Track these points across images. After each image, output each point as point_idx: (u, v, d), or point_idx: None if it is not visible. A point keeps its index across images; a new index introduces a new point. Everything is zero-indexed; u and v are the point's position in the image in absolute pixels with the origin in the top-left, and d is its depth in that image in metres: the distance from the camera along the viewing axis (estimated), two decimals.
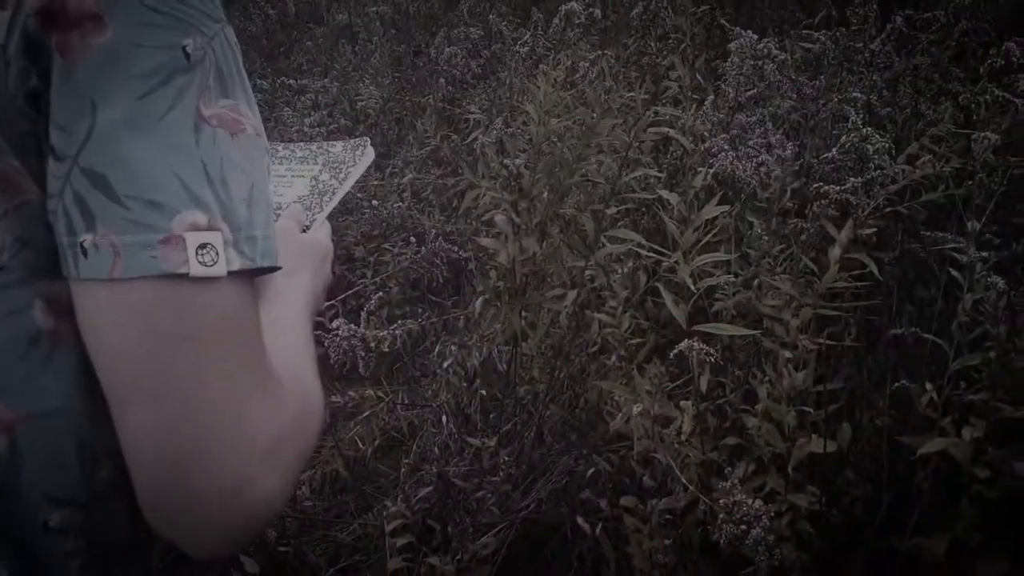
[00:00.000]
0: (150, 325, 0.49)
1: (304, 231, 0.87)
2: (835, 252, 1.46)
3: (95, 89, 0.49)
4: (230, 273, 0.51)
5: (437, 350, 2.40)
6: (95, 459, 0.55)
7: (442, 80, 3.28)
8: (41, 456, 0.53)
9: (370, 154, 0.97)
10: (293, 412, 0.57)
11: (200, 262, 0.50)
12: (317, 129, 3.05)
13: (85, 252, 0.49)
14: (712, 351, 1.24)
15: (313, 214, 0.88)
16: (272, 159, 0.97)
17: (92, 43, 0.49)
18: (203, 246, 0.50)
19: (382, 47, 4.02)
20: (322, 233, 0.88)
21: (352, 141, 0.98)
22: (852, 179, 1.43)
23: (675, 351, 1.29)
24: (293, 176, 0.95)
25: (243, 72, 0.56)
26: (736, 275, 1.69)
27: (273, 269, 0.55)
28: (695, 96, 1.83)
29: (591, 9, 1.77)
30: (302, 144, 1.01)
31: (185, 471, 0.51)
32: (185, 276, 0.49)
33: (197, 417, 0.50)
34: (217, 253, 0.51)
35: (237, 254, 0.52)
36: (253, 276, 0.55)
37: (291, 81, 3.12)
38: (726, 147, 1.69)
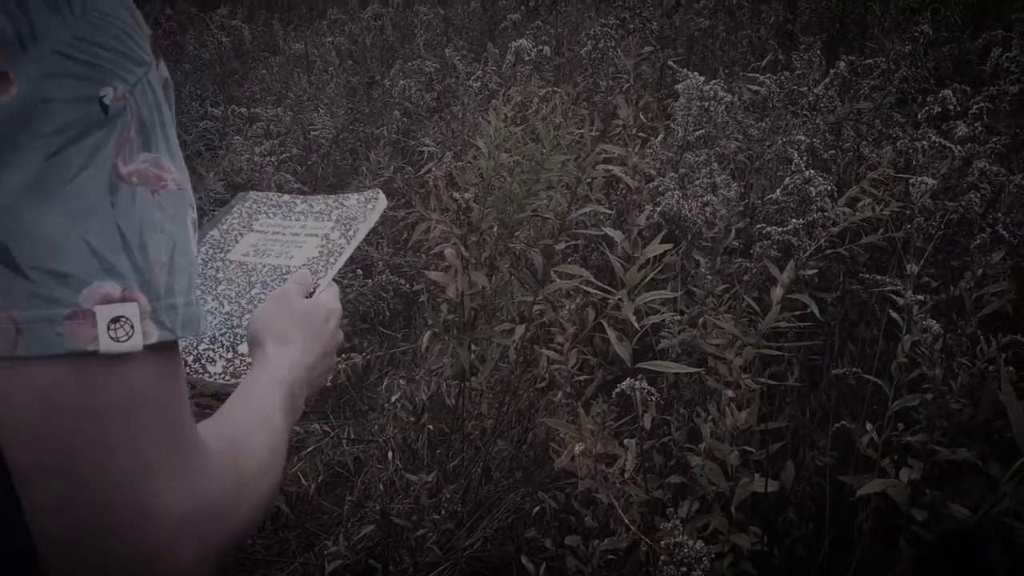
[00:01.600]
0: (54, 403, 0.46)
1: (310, 295, 0.85)
2: (777, 292, 1.47)
3: None
4: (147, 347, 0.48)
5: (385, 384, 2.37)
6: (4, 527, 0.51)
7: (396, 112, 3.28)
8: None
9: (381, 204, 0.96)
10: (219, 487, 0.54)
11: (112, 337, 0.46)
12: (268, 158, 3.02)
13: None
14: (653, 390, 1.24)
15: (319, 277, 0.88)
16: (289, 215, 0.97)
17: None
18: (116, 319, 0.47)
19: (338, 77, 4.02)
20: (327, 295, 0.86)
21: (366, 193, 0.98)
22: (794, 221, 1.45)
23: (617, 389, 1.28)
24: (306, 235, 0.94)
25: (168, 119, 0.52)
26: (681, 312, 1.70)
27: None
28: (641, 135, 1.85)
29: (541, 47, 1.78)
30: (319, 198, 1.00)
31: (88, 549, 0.48)
32: (95, 354, 0.46)
33: (99, 496, 0.48)
34: (132, 327, 0.47)
35: (156, 326, 0.48)
36: (175, 346, 0.52)
37: (242, 109, 3.08)
38: (672, 186, 1.71)
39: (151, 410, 0.49)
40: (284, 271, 0.90)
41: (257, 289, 0.89)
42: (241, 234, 0.97)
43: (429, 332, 2.13)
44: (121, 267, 0.47)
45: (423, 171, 2.87)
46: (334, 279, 0.90)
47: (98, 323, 0.46)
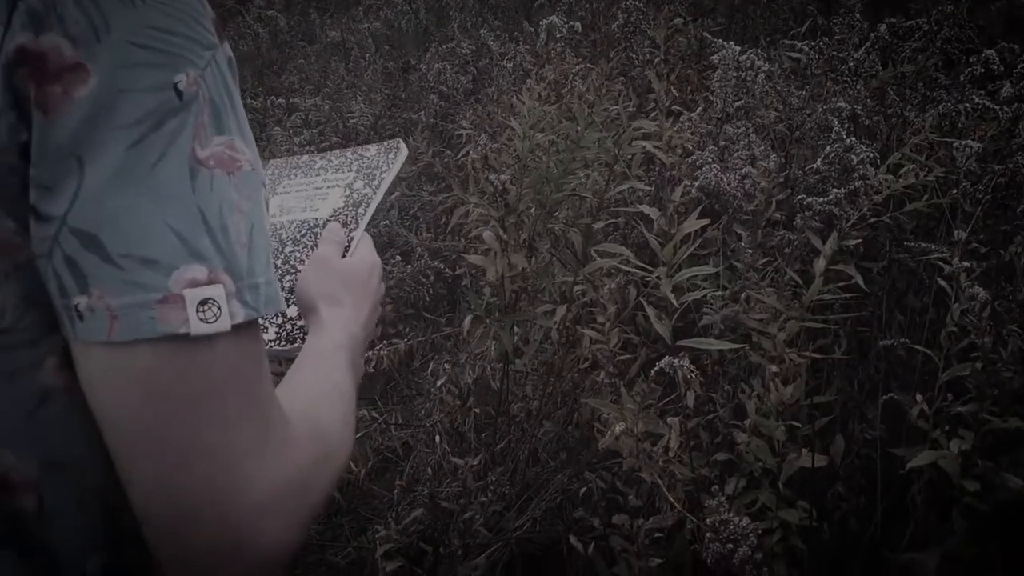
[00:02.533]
0: (149, 387, 0.48)
1: (345, 250, 0.85)
2: (820, 264, 1.44)
3: (80, 144, 0.46)
4: (237, 326, 0.49)
5: (430, 368, 2.38)
6: (117, 507, 0.54)
7: (433, 96, 3.28)
8: (68, 508, 0.53)
9: (403, 153, 0.95)
10: (303, 460, 0.55)
11: (201, 319, 0.48)
12: (307, 148, 3.05)
13: (80, 315, 0.47)
14: (693, 368, 1.22)
15: (351, 230, 0.87)
16: (309, 172, 0.97)
17: (75, 96, 0.46)
18: (204, 302, 0.48)
19: (374, 63, 4.03)
20: (364, 250, 0.86)
21: (385, 143, 0.97)
22: (835, 190, 1.42)
23: (656, 368, 1.27)
24: (329, 187, 0.93)
25: (237, 99, 0.53)
26: (724, 288, 1.68)
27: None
28: (676, 108, 1.82)
29: (572, 23, 1.76)
30: (338, 152, 1.00)
31: (188, 525, 0.50)
32: (186, 336, 0.48)
33: (196, 473, 0.49)
34: (219, 308, 0.49)
35: (241, 305, 0.50)
36: (257, 325, 0.53)
37: (280, 100, 3.12)
38: (710, 160, 1.68)
39: (240, 388, 0.51)
40: (312, 224, 0.89)
41: (289, 247, 0.88)
42: (266, 200, 0.97)
43: (471, 316, 2.14)
44: (205, 250, 0.48)
45: (461, 155, 2.88)
46: (365, 230, 0.89)
47: (187, 306, 0.47)
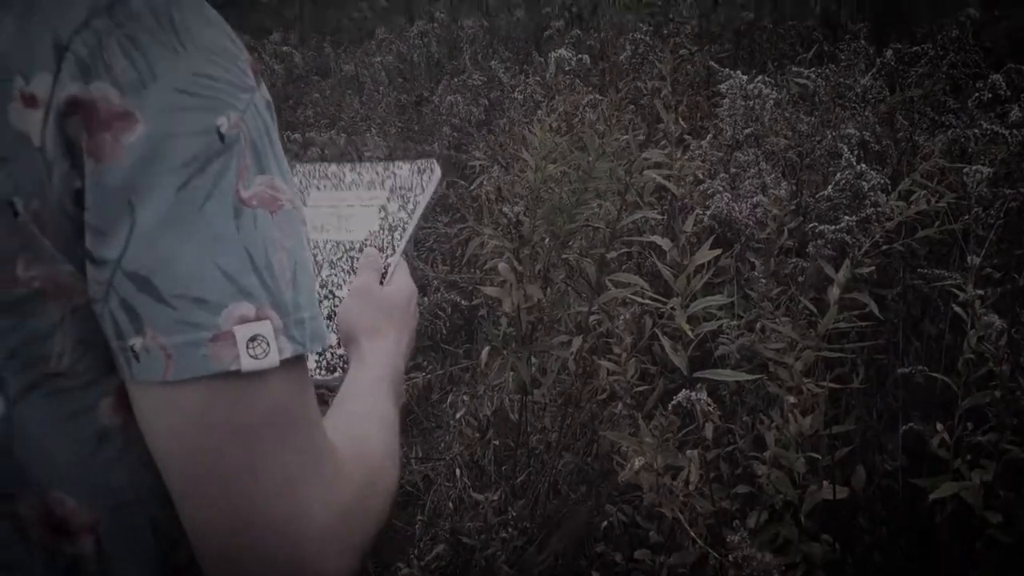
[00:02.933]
0: (204, 423, 0.49)
1: (382, 278, 0.85)
2: (834, 292, 1.44)
3: (131, 189, 0.47)
4: (285, 361, 0.50)
5: (449, 400, 2.38)
6: (172, 544, 0.55)
7: (446, 128, 3.31)
8: (125, 548, 0.54)
9: (437, 175, 0.93)
10: (354, 489, 0.56)
11: (251, 355, 0.49)
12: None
13: (136, 355, 0.49)
14: (710, 401, 1.22)
15: (387, 256, 0.86)
16: (339, 186, 0.95)
17: (124, 142, 0.47)
18: (253, 338, 0.49)
19: (388, 96, 4.08)
20: (402, 277, 0.86)
21: (419, 163, 0.95)
22: (847, 218, 1.42)
23: (673, 402, 1.27)
24: (362, 206, 0.92)
25: (275, 138, 0.54)
26: (739, 317, 1.67)
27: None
28: (687, 136, 1.82)
29: (581, 56, 1.78)
30: (368, 165, 0.97)
31: (246, 559, 0.51)
32: (237, 372, 0.49)
33: (253, 507, 0.50)
34: (268, 344, 0.50)
35: (288, 341, 0.51)
36: (304, 359, 0.54)
37: (296, 135, 3.15)
38: (721, 188, 1.68)
39: (290, 422, 0.52)
40: (348, 247, 0.88)
41: (326, 270, 0.87)
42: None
43: (488, 347, 2.14)
44: (252, 288, 0.50)
45: (474, 186, 2.90)
46: (401, 256, 0.88)
47: (238, 343, 0.49)
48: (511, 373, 2.15)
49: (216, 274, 0.49)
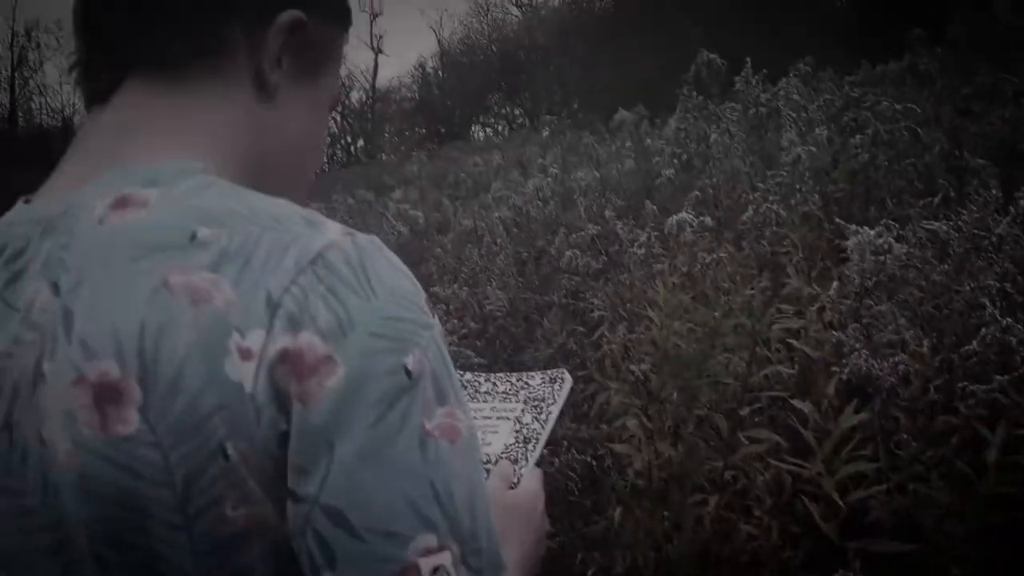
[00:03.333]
0: None
1: (512, 486, 0.85)
2: (992, 454, 1.37)
3: (331, 428, 0.50)
4: None
5: (580, 557, 2.34)
6: None
7: (564, 279, 3.39)
8: None
9: (568, 384, 0.95)
10: None
11: None
12: (450, 337, 3.18)
13: None
14: None
15: (520, 467, 0.87)
16: (475, 396, 0.98)
17: (326, 385, 0.51)
18: (436, 569, 0.51)
19: (506, 248, 4.23)
20: (531, 482, 0.85)
21: (550, 373, 0.97)
22: (998, 377, 1.37)
23: None
24: (498, 418, 0.94)
25: (451, 367, 0.57)
26: (888, 479, 1.61)
27: None
28: (813, 290, 1.81)
29: (702, 217, 1.82)
30: (502, 376, 1.00)
31: None
32: None
33: None
34: (449, 574, 0.51)
35: (467, 570, 0.52)
36: None
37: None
38: (857, 345, 1.66)
39: None
40: (484, 460, 0.88)
41: None
42: None
43: (620, 508, 2.12)
44: (436, 519, 0.52)
45: (596, 335, 2.93)
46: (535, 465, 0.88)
47: (422, 574, 0.50)
48: (643, 532, 2.11)
49: (405, 507, 0.51)
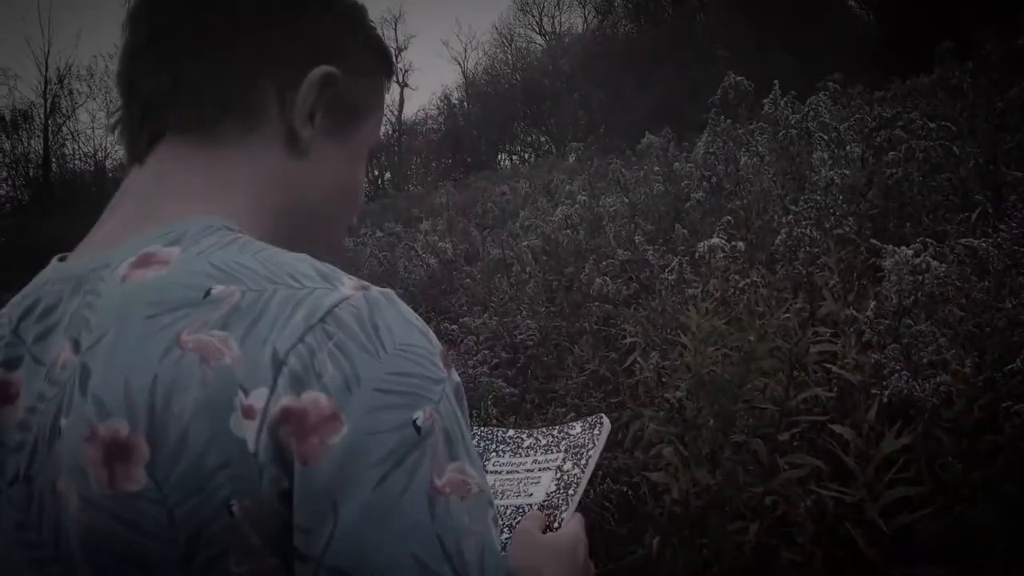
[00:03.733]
0: None
1: (553, 527, 0.84)
2: None
3: (335, 488, 0.50)
4: None
5: None
6: None
7: (594, 307, 3.38)
8: None
9: (606, 428, 0.96)
10: None
11: None
12: (481, 368, 3.18)
13: None
14: None
15: (561, 512, 0.86)
16: (518, 451, 1.00)
17: (330, 443, 0.50)
18: None
19: (536, 277, 4.23)
20: (573, 526, 0.84)
21: (589, 419, 0.99)
22: None
23: None
24: (540, 469, 0.95)
25: (464, 423, 0.56)
26: (934, 501, 1.56)
27: None
28: (853, 320, 1.78)
29: (735, 243, 1.80)
30: (544, 430, 1.01)
31: None
32: None
33: None
34: None
35: None
36: None
37: (454, 327, 3.30)
38: (897, 366, 1.62)
39: None
40: (526, 510, 0.89)
41: (505, 534, 0.87)
42: None
43: (658, 537, 2.08)
44: (445, 575, 0.51)
45: (628, 362, 2.91)
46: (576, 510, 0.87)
47: None
48: (683, 561, 2.07)
49: (412, 565, 0.50)
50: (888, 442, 1.42)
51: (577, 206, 4.55)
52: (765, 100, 3.16)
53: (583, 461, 0.91)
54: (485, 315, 3.91)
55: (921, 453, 1.65)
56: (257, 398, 0.51)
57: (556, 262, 4.35)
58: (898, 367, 1.56)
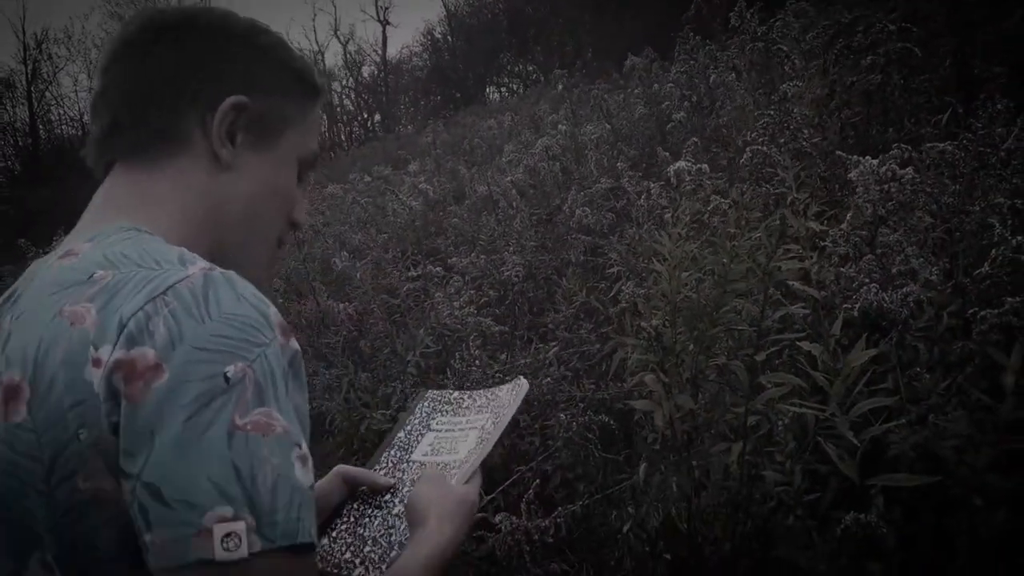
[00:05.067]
0: None
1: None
2: (1009, 380, 1.33)
3: (154, 421, 0.63)
4: (253, 554, 0.63)
5: (614, 515, 2.33)
6: None
7: (578, 239, 3.35)
8: None
9: (523, 389, 1.09)
10: None
11: (224, 548, 0.62)
12: (468, 308, 3.17)
13: (148, 547, 0.63)
14: (883, 525, 1.14)
15: (472, 464, 0.99)
16: (458, 411, 1.12)
17: (152, 387, 0.64)
18: (228, 535, 0.62)
19: (521, 212, 4.19)
20: (475, 484, 0.98)
21: (513, 383, 1.11)
22: (1010, 299, 1.32)
23: (843, 523, 1.19)
24: (470, 428, 1.07)
25: (281, 382, 0.68)
26: (907, 411, 1.57)
27: (304, 546, 0.66)
28: (822, 228, 1.76)
29: (699, 165, 1.77)
30: (480, 393, 1.14)
31: None
32: (211, 561, 0.62)
33: None
34: (240, 539, 0.62)
35: (259, 538, 0.63)
36: (294, 552, 0.65)
37: (438, 269, 3.28)
38: (867, 280, 1.61)
39: None
40: (452, 466, 1.01)
41: None
42: (422, 434, 1.11)
43: (644, 464, 2.10)
44: (234, 495, 0.63)
45: (615, 291, 2.90)
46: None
47: (214, 538, 0.62)
48: (674, 480, 2.10)
49: (207, 484, 0.62)
50: (856, 354, 1.41)
51: (559, 136, 4.48)
52: (731, 13, 3.07)
53: (500, 421, 1.03)
54: (472, 254, 3.89)
55: (896, 364, 1.64)
56: (104, 352, 0.65)
57: (540, 195, 4.30)
58: (866, 280, 1.55)
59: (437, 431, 1.10)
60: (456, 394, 1.15)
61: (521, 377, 1.10)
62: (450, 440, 1.06)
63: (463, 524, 0.92)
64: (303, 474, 0.67)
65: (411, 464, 1.06)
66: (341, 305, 3.58)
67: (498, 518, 1.75)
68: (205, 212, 0.81)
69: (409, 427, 1.13)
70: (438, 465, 1.02)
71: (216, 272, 0.70)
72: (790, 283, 1.59)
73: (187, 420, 0.63)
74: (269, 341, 0.68)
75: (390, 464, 1.07)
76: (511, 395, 1.07)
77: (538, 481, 1.87)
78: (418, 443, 1.09)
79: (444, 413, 1.13)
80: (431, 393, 1.18)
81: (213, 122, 0.80)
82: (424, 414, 1.14)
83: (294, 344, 0.70)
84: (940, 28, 3.35)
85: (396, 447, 1.10)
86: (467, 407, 1.11)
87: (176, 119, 0.80)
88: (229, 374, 0.65)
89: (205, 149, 0.80)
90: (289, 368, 0.69)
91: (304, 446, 0.68)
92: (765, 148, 1.72)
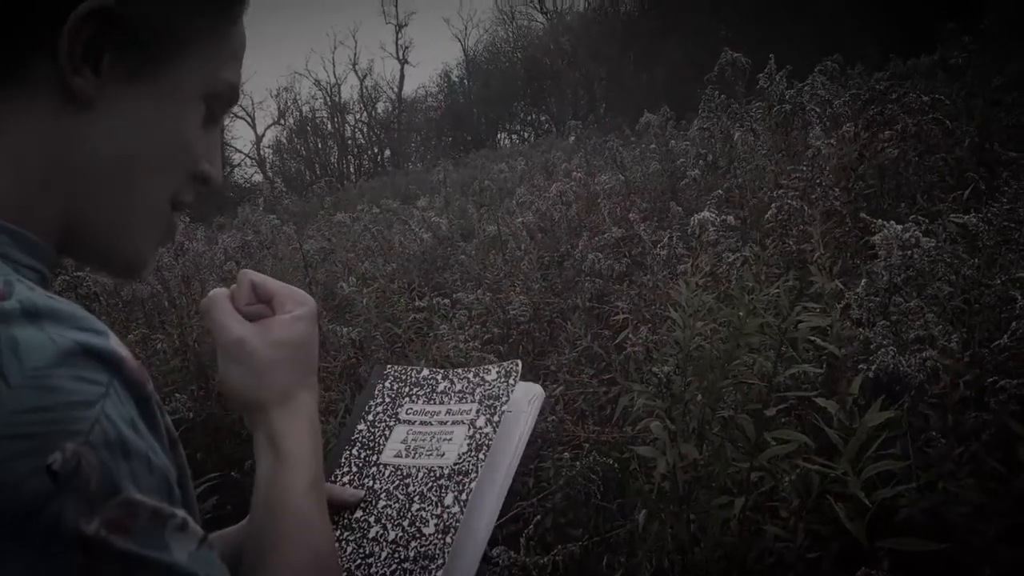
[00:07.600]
0: None
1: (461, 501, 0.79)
2: None
3: None
4: None
5: (604, 561, 2.31)
6: None
7: (587, 283, 3.37)
8: None
9: (516, 374, 0.88)
10: None
11: None
12: (472, 343, 3.17)
13: None
14: None
15: (471, 480, 0.80)
16: (432, 396, 0.90)
17: None
18: None
19: (530, 253, 4.21)
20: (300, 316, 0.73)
21: (505, 365, 0.89)
22: None
23: None
24: (453, 422, 0.87)
25: (139, 433, 0.49)
26: (917, 477, 1.56)
27: None
28: (839, 285, 1.77)
29: (724, 217, 1.79)
30: (460, 372, 0.92)
31: None
32: None
33: None
34: None
35: None
36: None
37: (445, 301, 3.29)
38: (885, 342, 1.62)
39: None
40: (439, 474, 0.82)
41: (417, 504, 0.81)
42: (389, 426, 0.90)
43: (644, 511, 2.09)
44: None
45: (621, 337, 2.90)
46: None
47: None
48: (670, 531, 2.08)
49: None
50: (872, 415, 1.41)
51: (573, 183, 4.52)
52: (760, 75, 3.14)
53: (495, 418, 0.84)
54: (478, 291, 3.90)
55: (907, 428, 1.64)
56: None
57: (551, 239, 4.33)
58: (885, 342, 1.56)
59: (408, 422, 0.89)
60: (426, 372, 0.93)
61: (517, 361, 0.90)
62: (429, 437, 0.87)
63: (306, 377, 0.69)
64: (188, 544, 0.49)
65: (382, 469, 0.85)
66: (344, 329, 3.57)
67: (496, 551, 1.73)
68: (52, 169, 0.56)
69: (371, 416, 0.91)
70: (420, 473, 0.84)
71: (9, 303, 0.48)
72: (812, 337, 1.59)
73: (17, 547, 0.43)
74: (105, 388, 0.47)
75: (354, 468, 0.86)
76: (504, 382, 0.87)
77: (539, 517, 1.85)
78: (386, 439, 0.88)
79: (415, 399, 0.91)
80: (392, 369, 0.95)
81: (63, 40, 0.54)
82: (388, 399, 0.92)
83: (138, 374, 0.50)
84: (957, 111, 3.42)
85: (358, 444, 0.89)
86: (443, 391, 0.90)
87: (11, 35, 0.54)
88: (55, 467, 0.44)
89: (52, 79, 0.55)
90: (136, 410, 0.49)
91: (177, 507, 0.50)
92: (795, 203, 1.74)
